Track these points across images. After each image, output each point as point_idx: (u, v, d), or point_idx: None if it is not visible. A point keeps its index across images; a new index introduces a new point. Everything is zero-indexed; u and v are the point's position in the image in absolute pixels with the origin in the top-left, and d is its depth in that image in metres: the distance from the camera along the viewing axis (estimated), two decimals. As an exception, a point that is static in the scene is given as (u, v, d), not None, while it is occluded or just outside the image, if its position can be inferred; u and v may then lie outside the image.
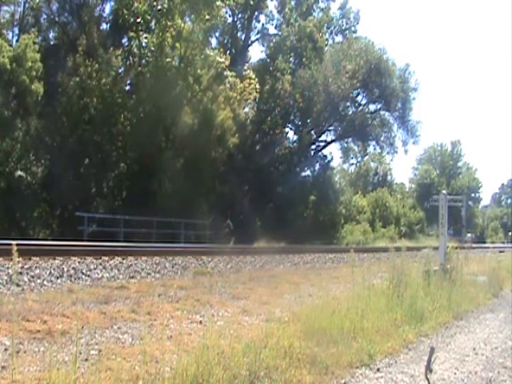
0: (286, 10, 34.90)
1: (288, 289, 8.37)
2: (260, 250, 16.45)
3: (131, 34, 24.80)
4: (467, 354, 5.43)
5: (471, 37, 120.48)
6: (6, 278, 7.22)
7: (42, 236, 21.51)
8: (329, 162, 36.64)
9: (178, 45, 23.97)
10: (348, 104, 35.11)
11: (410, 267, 7.69)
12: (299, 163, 34.31)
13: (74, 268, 8.77)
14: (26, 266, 8.24)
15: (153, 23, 24.80)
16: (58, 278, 7.94)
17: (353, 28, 36.78)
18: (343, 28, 36.92)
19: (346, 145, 38.03)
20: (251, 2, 31.13)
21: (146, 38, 24.47)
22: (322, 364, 4.28)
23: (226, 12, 28.68)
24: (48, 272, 8.14)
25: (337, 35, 37.20)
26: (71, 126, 23.03)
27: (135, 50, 25.16)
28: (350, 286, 6.79)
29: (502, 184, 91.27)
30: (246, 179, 29.36)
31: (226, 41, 32.93)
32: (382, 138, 36.19)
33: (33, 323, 4.73)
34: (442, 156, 70.34)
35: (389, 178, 58.51)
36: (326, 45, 35.38)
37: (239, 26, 33.41)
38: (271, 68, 33.03)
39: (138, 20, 23.76)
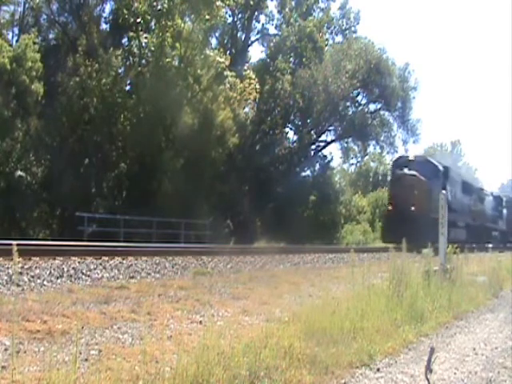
0: (286, 10, 34.93)
1: (288, 289, 8.36)
2: (260, 249, 16.40)
3: (131, 33, 24.82)
4: (467, 354, 5.42)
5: (471, 36, 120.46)
6: (6, 278, 7.22)
7: (42, 236, 21.51)
8: (329, 162, 36.73)
9: (178, 45, 23.98)
10: (348, 104, 35.13)
11: (410, 267, 7.68)
12: (299, 163, 34.33)
13: (74, 268, 8.76)
14: (26, 266, 8.23)
15: (153, 23, 24.85)
16: (58, 278, 7.93)
17: (353, 28, 36.83)
18: (343, 28, 36.94)
19: (346, 145, 38.06)
20: (251, 2, 31.16)
21: (145, 37, 24.48)
22: (322, 364, 4.27)
23: (226, 12, 28.73)
24: (48, 272, 8.13)
25: (337, 35, 37.27)
26: (71, 126, 23.05)
27: (135, 50, 25.17)
28: (350, 286, 6.77)
29: (502, 184, 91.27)
30: (246, 179, 29.35)
31: (226, 41, 32.96)
32: (381, 138, 36.24)
33: (33, 323, 4.73)
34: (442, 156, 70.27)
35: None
36: (326, 45, 35.41)
37: (239, 25, 33.44)
38: (271, 68, 33.05)
39: (138, 20, 23.80)
